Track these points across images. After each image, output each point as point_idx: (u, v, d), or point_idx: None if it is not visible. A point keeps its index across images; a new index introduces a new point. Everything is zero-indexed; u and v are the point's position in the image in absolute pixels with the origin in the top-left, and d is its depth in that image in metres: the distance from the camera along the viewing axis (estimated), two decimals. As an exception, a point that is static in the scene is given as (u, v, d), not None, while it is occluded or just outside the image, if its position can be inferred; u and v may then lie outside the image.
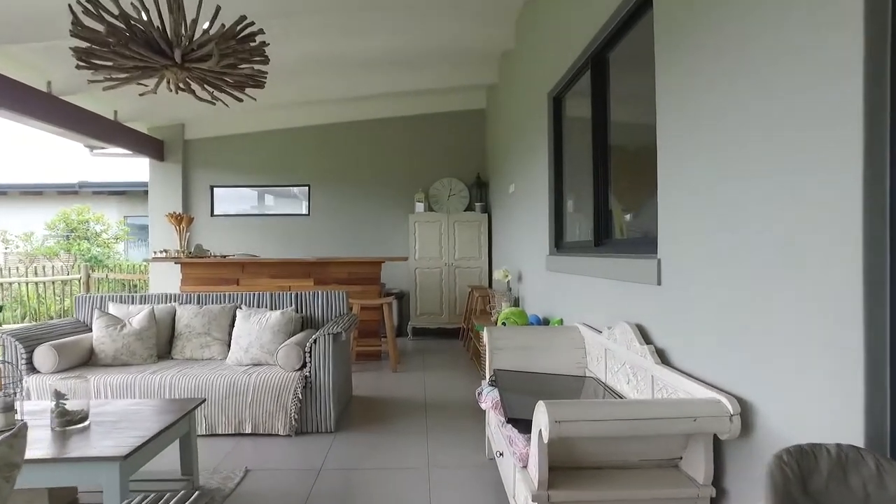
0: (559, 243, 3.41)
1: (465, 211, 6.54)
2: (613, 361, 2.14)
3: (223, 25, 2.58)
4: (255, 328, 3.37)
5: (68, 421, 1.97)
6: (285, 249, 6.64)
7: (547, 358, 2.49)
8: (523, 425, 1.73)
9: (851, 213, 1.04)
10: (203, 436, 2.95)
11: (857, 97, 1.03)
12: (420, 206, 6.45)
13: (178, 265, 5.14)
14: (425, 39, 4.78)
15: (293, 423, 2.99)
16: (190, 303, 3.72)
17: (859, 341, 1.03)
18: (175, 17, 2.56)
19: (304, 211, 6.91)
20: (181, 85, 2.74)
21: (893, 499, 0.81)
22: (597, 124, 2.69)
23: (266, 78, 2.97)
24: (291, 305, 3.71)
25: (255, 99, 3.20)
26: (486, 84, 6.20)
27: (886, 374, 1.01)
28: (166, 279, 6.28)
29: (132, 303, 3.68)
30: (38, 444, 1.82)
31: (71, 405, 1.98)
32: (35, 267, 7.86)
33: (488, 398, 2.20)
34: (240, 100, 3.00)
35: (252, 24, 2.65)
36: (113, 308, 3.58)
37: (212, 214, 6.86)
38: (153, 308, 3.53)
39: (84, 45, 2.47)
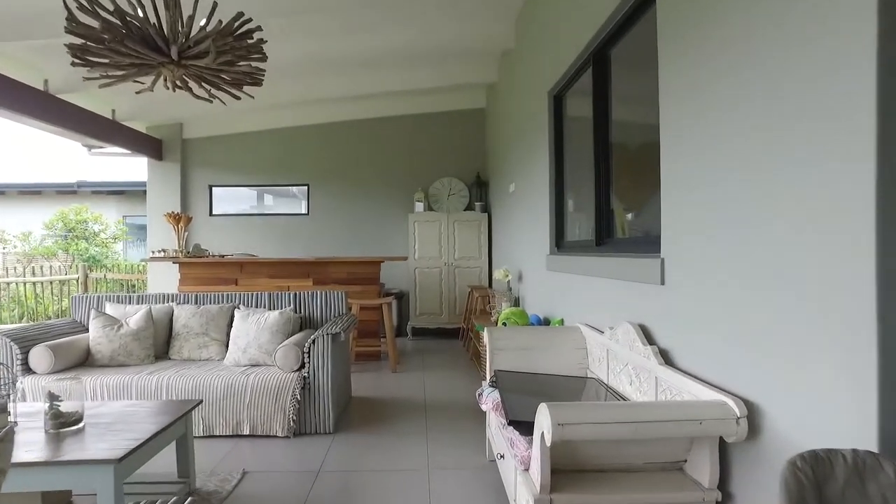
0: (560, 242, 3.38)
1: (464, 210, 6.51)
2: (616, 362, 2.11)
3: (220, 22, 2.55)
4: (254, 328, 3.34)
5: (62, 423, 1.94)
6: (284, 249, 6.61)
7: (548, 359, 2.46)
8: (525, 427, 1.70)
9: (864, 208, 1.01)
10: (200, 437, 2.93)
11: (869, 87, 1.00)
12: (420, 206, 6.42)
13: (177, 265, 5.11)
14: (425, 38, 4.76)
15: (291, 424, 2.96)
16: (188, 303, 3.68)
17: (872, 341, 1.00)
18: (171, 14, 2.53)
19: (304, 210, 6.88)
20: (178, 82, 2.71)
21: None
22: (598, 122, 2.66)
23: (264, 76, 2.94)
24: (290, 305, 3.68)
25: (252, 97, 3.17)
26: (486, 83, 6.17)
27: (900, 376, 0.98)
28: (165, 279, 6.25)
29: (129, 303, 3.65)
30: (32, 446, 1.79)
31: (65, 407, 1.95)
32: (33, 267, 7.83)
33: (489, 399, 2.17)
34: (237, 98, 2.97)
35: (249, 20, 2.61)
36: (110, 308, 3.55)
37: (210, 214, 6.83)
38: (150, 308, 3.50)
39: (79, 41, 2.44)
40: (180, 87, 2.75)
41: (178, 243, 5.31)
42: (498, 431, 2.17)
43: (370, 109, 6.58)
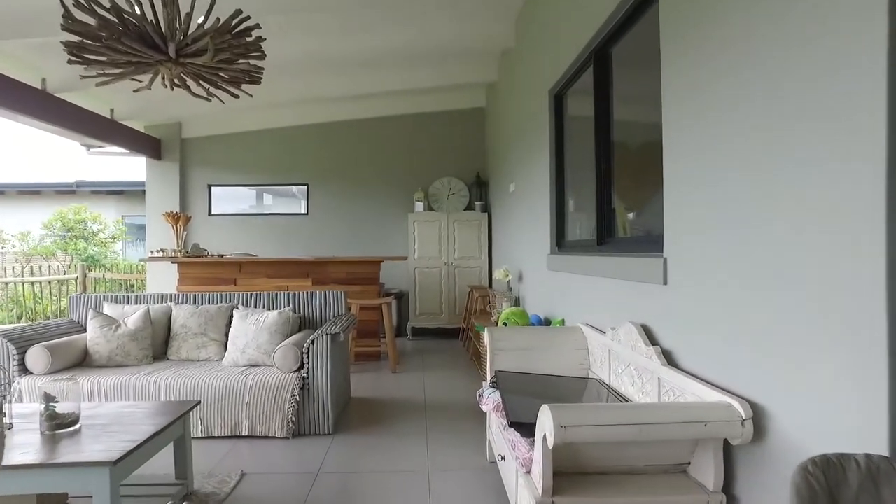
0: (561, 242, 3.36)
1: (464, 210, 6.49)
2: (618, 363, 2.09)
3: (218, 19, 2.53)
4: (252, 329, 3.32)
5: (58, 424, 1.91)
6: (284, 249, 6.59)
7: (549, 359, 2.44)
8: (526, 429, 1.68)
9: (873, 206, 0.99)
10: (198, 438, 2.90)
11: (872, 86, 0.98)
12: (419, 206, 6.40)
13: (175, 265, 5.09)
14: (425, 38, 4.74)
15: (290, 425, 2.94)
16: (186, 303, 3.66)
17: (882, 341, 0.98)
18: (169, 11, 2.51)
19: (303, 210, 6.86)
20: (176, 81, 2.69)
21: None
22: (599, 121, 2.64)
23: (262, 74, 2.92)
24: (289, 305, 3.66)
25: (251, 95, 3.15)
26: (486, 82, 6.15)
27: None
28: (163, 279, 6.23)
29: (127, 303, 3.63)
30: (26, 448, 1.77)
31: (61, 408, 1.93)
32: (31, 267, 7.80)
33: (489, 400, 2.15)
34: (236, 96, 2.95)
35: (248, 18, 2.59)
36: (108, 308, 3.53)
37: (209, 213, 6.81)
38: (149, 308, 3.47)
39: (76, 39, 2.42)
40: (178, 86, 2.72)
41: (177, 243, 5.29)
42: (499, 433, 2.15)
43: (370, 109, 6.56)
